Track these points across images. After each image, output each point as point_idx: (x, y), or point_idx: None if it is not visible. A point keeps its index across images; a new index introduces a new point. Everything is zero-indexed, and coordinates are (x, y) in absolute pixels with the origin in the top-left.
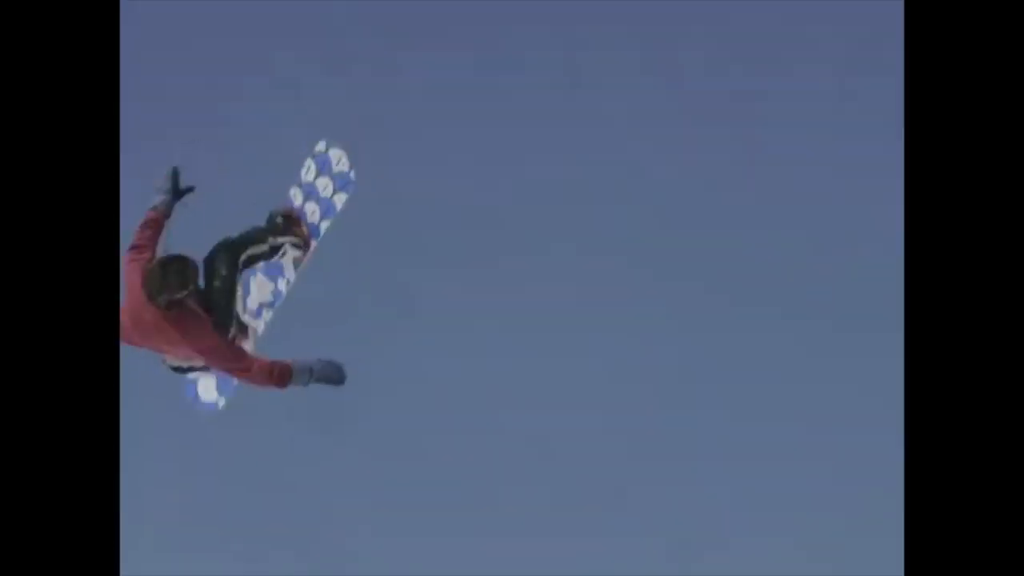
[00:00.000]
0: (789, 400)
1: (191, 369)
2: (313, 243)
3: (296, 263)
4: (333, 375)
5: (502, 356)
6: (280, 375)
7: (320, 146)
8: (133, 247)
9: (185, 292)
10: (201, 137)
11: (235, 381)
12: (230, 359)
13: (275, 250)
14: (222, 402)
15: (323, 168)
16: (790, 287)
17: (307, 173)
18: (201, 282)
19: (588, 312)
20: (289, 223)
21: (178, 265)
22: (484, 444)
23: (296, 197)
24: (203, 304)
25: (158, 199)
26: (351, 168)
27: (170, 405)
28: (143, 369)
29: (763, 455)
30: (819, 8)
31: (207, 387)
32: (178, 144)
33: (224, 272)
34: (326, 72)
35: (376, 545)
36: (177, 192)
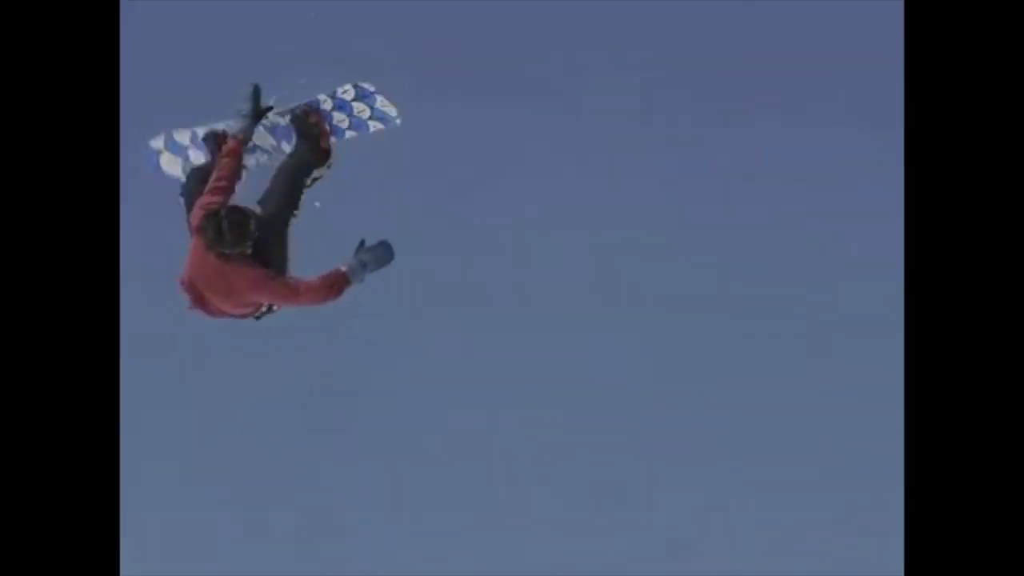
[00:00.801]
0: (789, 401)
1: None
2: (333, 139)
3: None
4: (385, 257)
5: (503, 357)
6: (337, 286)
7: (368, 84)
8: (211, 190)
9: (240, 249)
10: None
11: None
12: (283, 290)
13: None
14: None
15: (364, 98)
16: (791, 287)
17: (344, 92)
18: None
19: (593, 313)
20: (309, 127)
21: (239, 220)
22: (485, 443)
23: (325, 103)
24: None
25: (237, 124)
26: (399, 117)
27: (171, 403)
28: (143, 367)
29: (763, 456)
30: (819, 9)
31: (171, 162)
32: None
33: (277, 252)
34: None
35: (379, 545)
36: (258, 114)
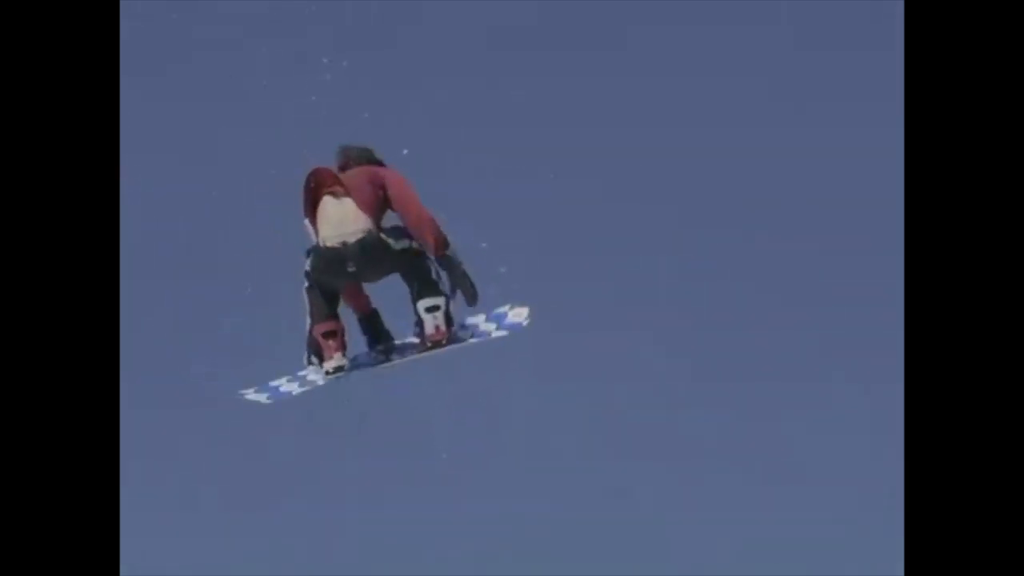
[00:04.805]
0: (790, 401)
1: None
2: (446, 346)
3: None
4: (466, 286)
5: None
6: (438, 232)
7: (504, 308)
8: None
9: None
10: (201, 137)
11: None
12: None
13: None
14: (267, 401)
15: (494, 319)
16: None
17: (473, 319)
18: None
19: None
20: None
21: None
22: (489, 443)
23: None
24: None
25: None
26: (528, 319)
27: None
28: (146, 369)
29: (764, 455)
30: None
31: (258, 394)
32: (178, 144)
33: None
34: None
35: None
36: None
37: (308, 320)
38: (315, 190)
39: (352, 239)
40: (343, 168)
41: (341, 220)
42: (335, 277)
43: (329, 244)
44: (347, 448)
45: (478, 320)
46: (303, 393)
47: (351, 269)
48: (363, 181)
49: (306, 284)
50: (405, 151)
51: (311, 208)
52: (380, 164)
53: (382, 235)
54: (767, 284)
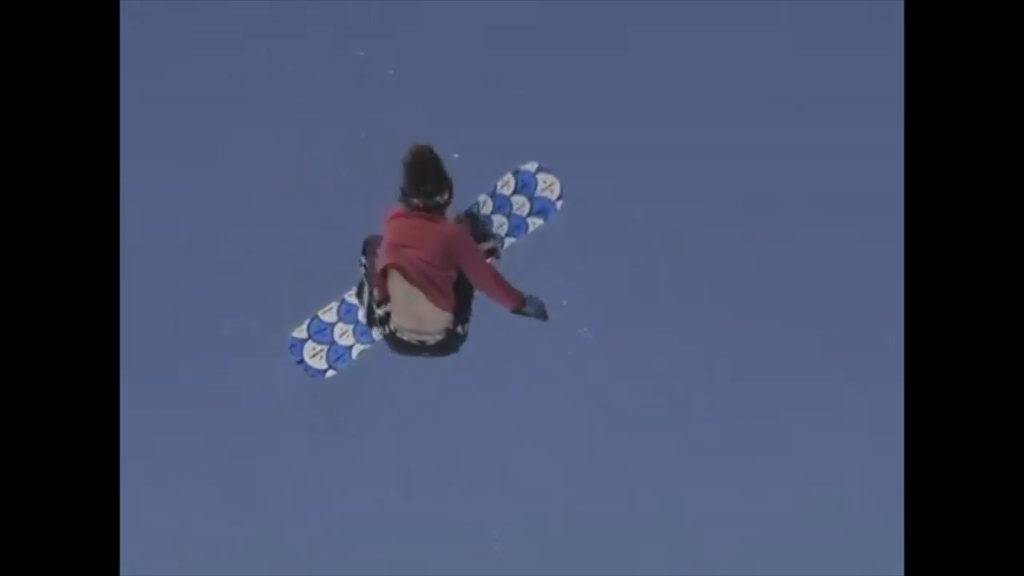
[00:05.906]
0: (790, 399)
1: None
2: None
3: None
4: (541, 313)
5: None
6: (513, 294)
7: (530, 165)
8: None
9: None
10: (201, 137)
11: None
12: (476, 250)
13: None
14: (331, 372)
15: (524, 187)
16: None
17: (503, 186)
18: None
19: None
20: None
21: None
22: (493, 444)
23: (484, 205)
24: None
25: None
26: (559, 198)
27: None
28: (148, 369)
29: (764, 455)
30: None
31: (317, 353)
32: (178, 143)
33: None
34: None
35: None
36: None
37: (365, 303)
38: (382, 265)
39: (430, 340)
40: (406, 195)
41: (418, 319)
42: (408, 355)
43: (405, 338)
44: (347, 447)
45: (506, 189)
46: (361, 354)
47: (426, 357)
48: (429, 264)
49: (362, 269)
50: (456, 155)
51: (381, 276)
52: (445, 182)
53: (458, 328)
54: (767, 284)
